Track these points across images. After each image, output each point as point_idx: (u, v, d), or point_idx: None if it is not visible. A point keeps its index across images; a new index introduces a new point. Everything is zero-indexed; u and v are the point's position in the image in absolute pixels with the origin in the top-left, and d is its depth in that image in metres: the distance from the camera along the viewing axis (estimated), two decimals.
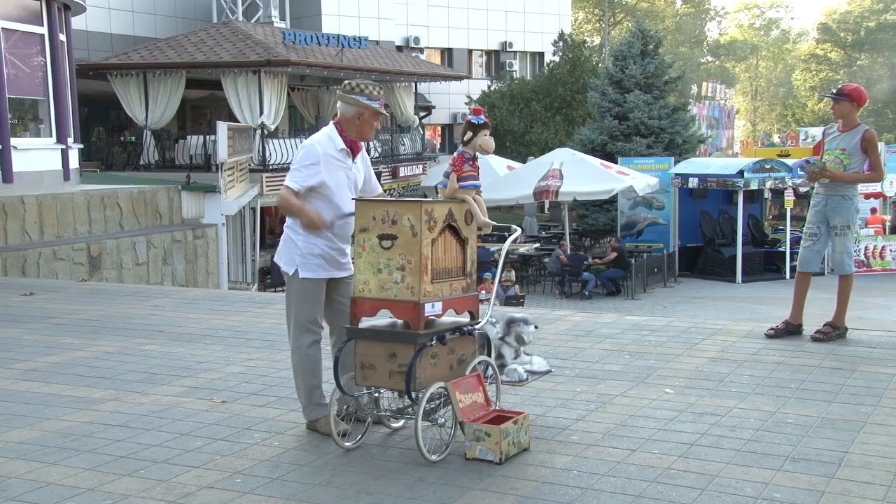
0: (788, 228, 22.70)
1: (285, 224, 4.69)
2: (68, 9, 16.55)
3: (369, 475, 4.03)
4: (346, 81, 4.61)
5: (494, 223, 4.50)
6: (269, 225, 24.47)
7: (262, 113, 21.11)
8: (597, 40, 58.30)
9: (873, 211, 21.28)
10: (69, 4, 16.34)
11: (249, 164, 20.36)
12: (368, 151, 27.53)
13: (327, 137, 4.54)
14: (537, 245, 23.43)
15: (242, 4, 26.81)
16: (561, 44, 34.11)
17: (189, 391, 5.49)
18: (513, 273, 18.88)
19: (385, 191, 5.06)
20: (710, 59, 71.73)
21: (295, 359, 4.61)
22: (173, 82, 21.64)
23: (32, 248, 11.89)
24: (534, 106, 33.15)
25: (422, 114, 30.67)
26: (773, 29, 78.03)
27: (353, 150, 4.59)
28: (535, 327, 4.76)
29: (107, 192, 14.44)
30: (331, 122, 4.62)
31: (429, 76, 28.45)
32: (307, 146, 4.52)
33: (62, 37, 15.83)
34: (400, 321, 4.24)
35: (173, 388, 5.55)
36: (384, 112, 4.60)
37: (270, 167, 20.88)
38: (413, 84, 28.38)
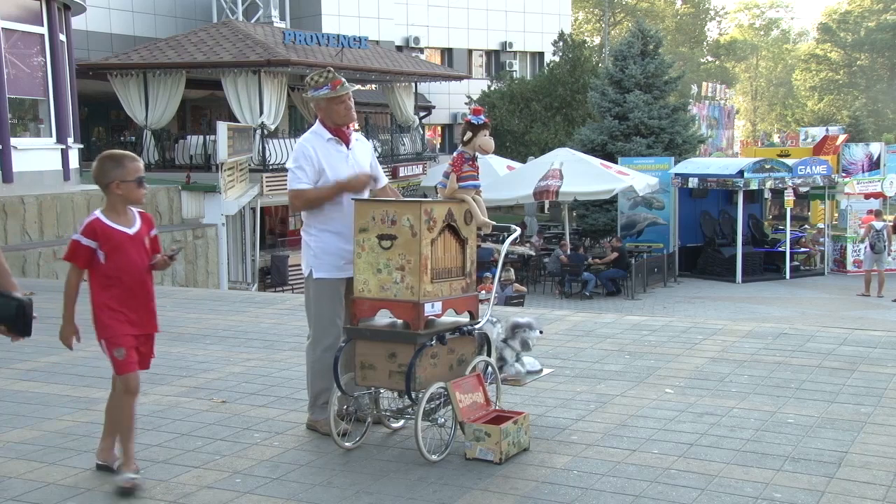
0: (788, 228, 22.67)
1: (301, 228, 4.73)
2: (68, 9, 16.55)
3: (369, 475, 4.03)
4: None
5: (494, 223, 4.50)
6: (269, 225, 24.46)
7: (262, 113, 21.11)
8: (597, 40, 58.35)
9: (878, 214, 21.18)
10: (69, 4, 16.35)
11: (249, 164, 20.35)
12: None
13: (312, 133, 4.67)
14: (533, 238, 23.47)
15: (242, 4, 26.81)
16: (561, 44, 34.12)
17: (189, 391, 5.49)
18: (512, 272, 18.87)
19: None
20: (710, 59, 71.74)
21: (309, 360, 4.63)
22: (173, 82, 21.63)
23: (32, 248, 11.87)
24: (534, 106, 33.15)
25: (422, 114, 30.66)
26: (773, 29, 78.12)
27: (341, 139, 4.64)
28: (540, 332, 4.75)
29: None
30: (316, 121, 4.74)
31: (429, 76, 28.43)
32: (297, 147, 4.64)
33: (62, 37, 15.83)
34: (400, 321, 4.24)
35: (173, 388, 5.55)
36: (334, 91, 4.55)
37: (270, 167, 20.86)
38: (413, 84, 28.37)
